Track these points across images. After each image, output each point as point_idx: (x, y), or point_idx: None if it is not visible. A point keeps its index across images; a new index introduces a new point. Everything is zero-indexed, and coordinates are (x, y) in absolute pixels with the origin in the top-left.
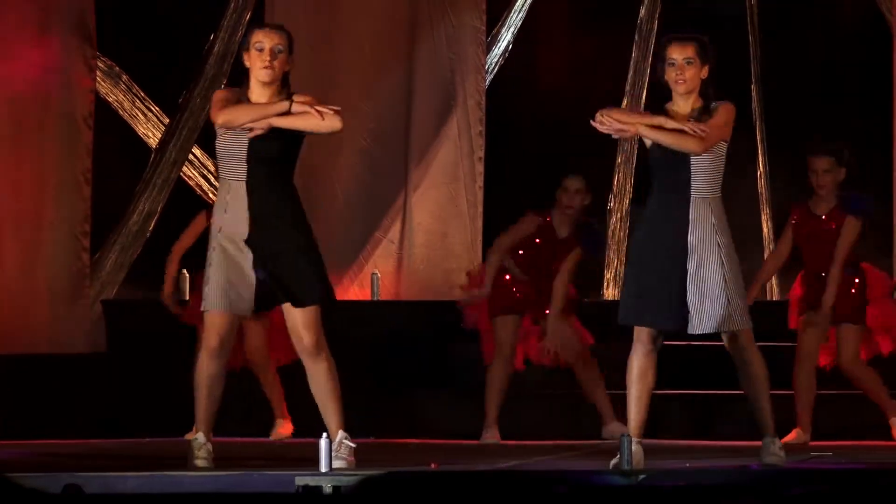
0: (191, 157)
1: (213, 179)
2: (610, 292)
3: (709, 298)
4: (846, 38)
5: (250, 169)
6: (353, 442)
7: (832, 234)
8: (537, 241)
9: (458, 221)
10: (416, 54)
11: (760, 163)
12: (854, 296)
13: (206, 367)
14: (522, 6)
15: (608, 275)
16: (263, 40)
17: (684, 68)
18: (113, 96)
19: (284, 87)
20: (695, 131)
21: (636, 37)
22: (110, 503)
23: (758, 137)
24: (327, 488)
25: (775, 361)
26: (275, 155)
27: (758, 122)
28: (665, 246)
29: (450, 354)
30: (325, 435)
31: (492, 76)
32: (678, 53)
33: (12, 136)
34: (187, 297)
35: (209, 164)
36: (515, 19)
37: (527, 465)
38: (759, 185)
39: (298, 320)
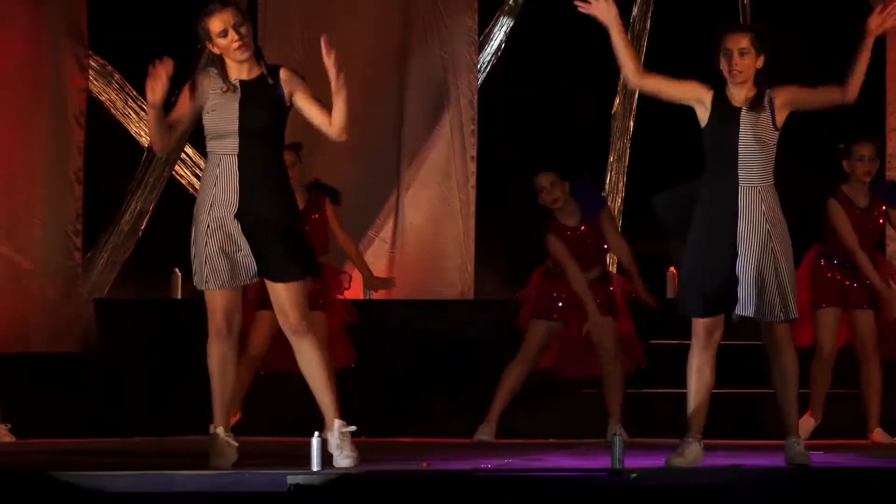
0: (183, 156)
1: None
2: None
3: (756, 287)
4: (840, 38)
5: (242, 143)
6: (348, 427)
7: (877, 227)
8: (572, 239)
9: (450, 221)
10: (408, 53)
11: None
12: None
13: (216, 351)
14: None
15: None
16: (223, 25)
17: (738, 58)
18: (105, 95)
19: (260, 58)
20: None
21: (628, 35)
22: (103, 502)
23: None
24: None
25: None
26: (265, 126)
27: None
28: (716, 235)
29: (442, 354)
30: (316, 434)
31: (484, 75)
32: (732, 44)
33: (4, 134)
34: (178, 297)
35: (201, 163)
36: (508, 18)
37: (524, 464)
38: None
39: (283, 297)
